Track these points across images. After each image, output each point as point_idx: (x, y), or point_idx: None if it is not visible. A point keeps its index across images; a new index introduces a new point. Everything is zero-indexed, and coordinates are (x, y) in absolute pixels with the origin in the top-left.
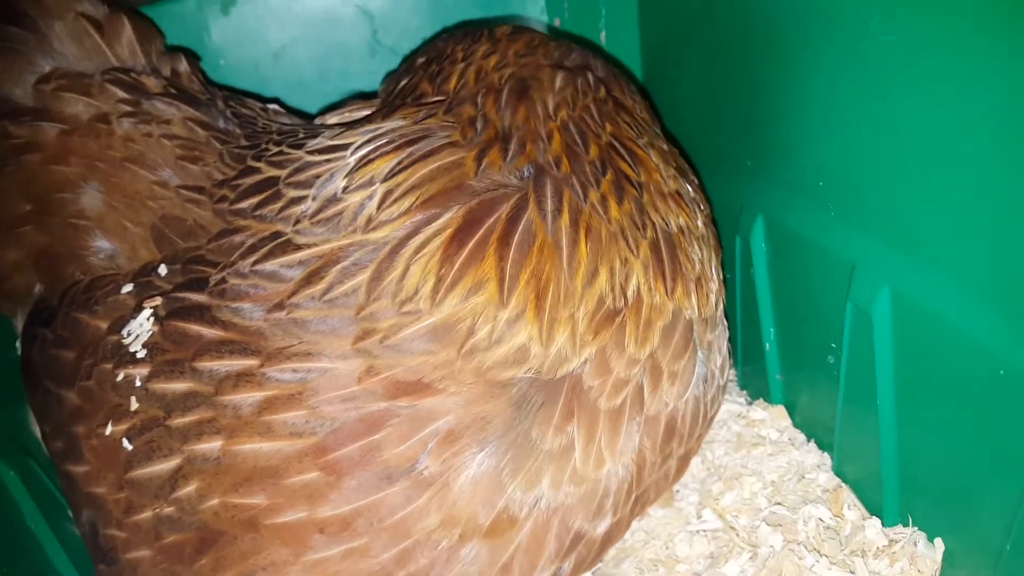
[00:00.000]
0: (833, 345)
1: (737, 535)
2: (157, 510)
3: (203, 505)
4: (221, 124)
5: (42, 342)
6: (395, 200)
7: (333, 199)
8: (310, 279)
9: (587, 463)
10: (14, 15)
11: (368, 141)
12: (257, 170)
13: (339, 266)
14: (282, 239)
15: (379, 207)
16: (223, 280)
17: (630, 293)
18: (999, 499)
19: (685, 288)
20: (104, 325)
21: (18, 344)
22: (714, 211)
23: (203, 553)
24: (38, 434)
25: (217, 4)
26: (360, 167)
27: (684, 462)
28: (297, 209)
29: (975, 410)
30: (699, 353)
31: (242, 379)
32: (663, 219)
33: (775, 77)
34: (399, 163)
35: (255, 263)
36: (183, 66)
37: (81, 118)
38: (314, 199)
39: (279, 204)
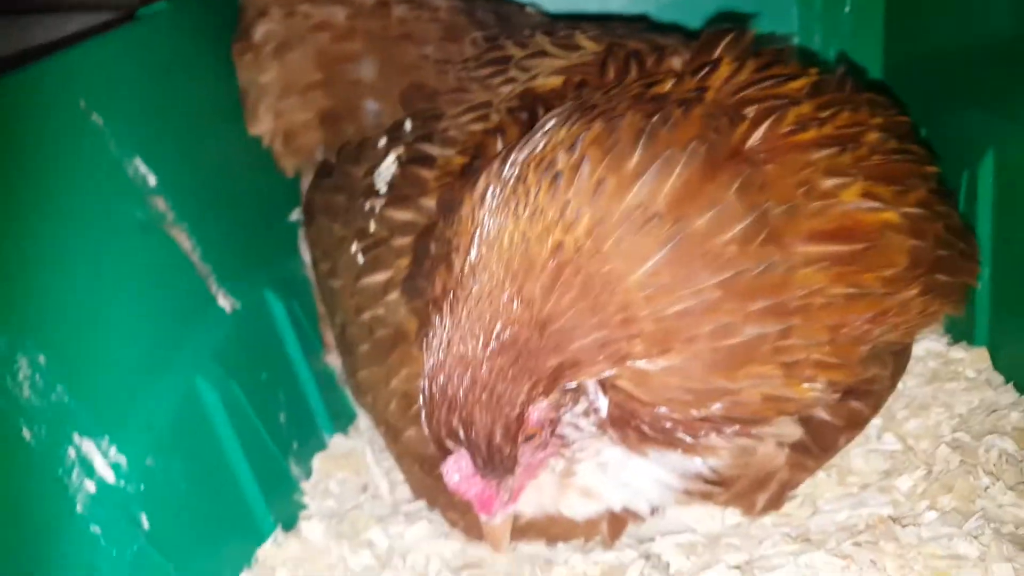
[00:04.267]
0: None
1: (914, 455)
2: (374, 312)
3: (401, 308)
4: (479, 15)
5: (323, 188)
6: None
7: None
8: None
9: None
10: None
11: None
12: (502, 47)
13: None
14: (489, 109)
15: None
16: (446, 129)
17: None
18: None
19: None
20: (363, 172)
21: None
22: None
23: (393, 349)
24: (308, 261)
25: None
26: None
27: None
28: (506, 89)
29: None
30: None
31: None
32: None
33: None
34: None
35: (467, 123)
36: None
37: (366, 4)
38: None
39: (500, 80)
